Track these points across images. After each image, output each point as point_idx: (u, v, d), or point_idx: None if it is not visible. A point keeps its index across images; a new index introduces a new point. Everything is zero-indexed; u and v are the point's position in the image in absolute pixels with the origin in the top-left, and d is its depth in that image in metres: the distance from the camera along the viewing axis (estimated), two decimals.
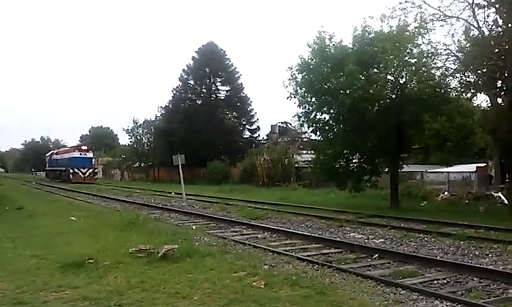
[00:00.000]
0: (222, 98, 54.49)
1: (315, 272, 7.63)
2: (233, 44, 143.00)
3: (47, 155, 68.07)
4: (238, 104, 54.00)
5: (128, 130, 59.87)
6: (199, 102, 53.19)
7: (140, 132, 59.95)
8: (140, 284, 6.50)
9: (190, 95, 54.26)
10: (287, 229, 12.90)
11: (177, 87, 54.65)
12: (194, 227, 13.50)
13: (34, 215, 15.95)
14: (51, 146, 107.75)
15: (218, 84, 55.06)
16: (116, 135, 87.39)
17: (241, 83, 54.79)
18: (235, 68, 54.81)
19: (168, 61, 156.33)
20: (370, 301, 5.92)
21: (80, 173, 48.39)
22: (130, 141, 61.85)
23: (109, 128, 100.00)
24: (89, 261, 7.66)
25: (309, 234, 11.95)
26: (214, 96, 54.56)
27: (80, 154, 50.24)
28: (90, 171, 49.95)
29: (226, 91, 54.66)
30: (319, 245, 10.57)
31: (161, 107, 56.21)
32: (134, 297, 5.89)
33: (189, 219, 15.82)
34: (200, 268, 7.35)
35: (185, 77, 54.63)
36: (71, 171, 48.57)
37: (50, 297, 5.93)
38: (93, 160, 52.92)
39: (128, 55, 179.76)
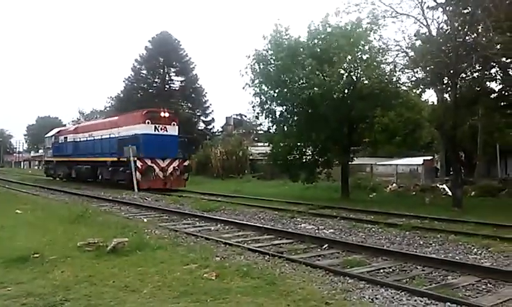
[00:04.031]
0: (176, 88, 53.91)
1: (266, 262, 7.71)
2: (188, 35, 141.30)
3: (49, 134, 39.59)
4: (193, 95, 53.61)
5: (74, 121, 58.31)
6: (152, 93, 52.31)
7: None
8: (88, 279, 6.34)
9: (143, 85, 53.33)
10: (240, 221, 12.95)
11: (129, 77, 53.61)
12: (145, 220, 13.29)
13: None
14: None
15: (172, 74, 54.47)
16: (65, 125, 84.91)
17: (196, 74, 54.50)
18: (190, 58, 54.46)
19: (120, 50, 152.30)
20: (319, 290, 6.04)
21: (157, 169, 24.73)
22: None
23: (57, 118, 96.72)
24: (35, 255, 7.39)
25: (261, 225, 12.04)
26: (167, 86, 53.90)
27: (156, 129, 25.44)
28: (177, 164, 25.66)
29: (181, 81, 54.16)
30: (271, 236, 10.68)
31: (111, 97, 55.02)
32: (81, 292, 5.74)
33: (141, 212, 15.56)
34: (151, 261, 7.26)
35: (138, 66, 53.62)
36: (139, 165, 24.02)
37: None
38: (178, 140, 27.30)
39: (77, 43, 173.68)
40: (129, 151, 23.04)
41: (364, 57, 19.98)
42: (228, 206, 16.91)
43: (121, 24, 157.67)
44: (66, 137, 34.56)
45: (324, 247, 9.31)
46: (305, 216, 14.32)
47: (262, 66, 20.97)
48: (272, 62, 20.71)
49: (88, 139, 30.69)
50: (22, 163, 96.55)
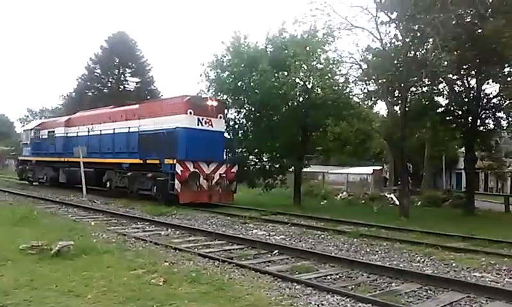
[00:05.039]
0: (131, 89, 52.86)
1: (215, 268, 7.70)
2: (145, 37, 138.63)
3: (27, 127, 33.93)
4: (148, 97, 52.75)
5: (22, 119, 56.26)
6: (106, 93, 51.09)
7: None
8: (29, 283, 6.10)
9: (96, 85, 52.01)
10: (191, 226, 12.87)
11: (82, 76, 52.12)
12: (93, 223, 12.93)
13: None
14: None
15: (127, 75, 53.45)
16: (13, 123, 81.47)
17: (152, 76, 53.81)
18: (146, 60, 53.63)
19: (73, 49, 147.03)
20: (266, 296, 6.09)
21: (201, 176, 18.64)
22: None
23: (4, 115, 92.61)
24: None
25: (212, 231, 12.01)
26: (122, 87, 52.81)
27: (200, 122, 19.09)
28: (223, 170, 19.38)
29: (136, 82, 53.22)
30: (222, 241, 10.69)
31: (63, 96, 53.39)
32: (21, 297, 5.52)
33: (88, 215, 15.15)
34: (97, 266, 7.09)
35: (92, 65, 52.27)
36: (178, 170, 17.97)
37: None
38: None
39: (26, 38, 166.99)
40: (79, 151, 21.23)
41: (319, 66, 20.40)
42: (179, 210, 16.74)
43: (75, 22, 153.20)
44: (52, 131, 27.44)
45: (274, 253, 9.40)
46: (257, 222, 14.42)
47: (217, 73, 21.07)
48: (229, 69, 20.83)
49: (90, 133, 23.77)
50: None
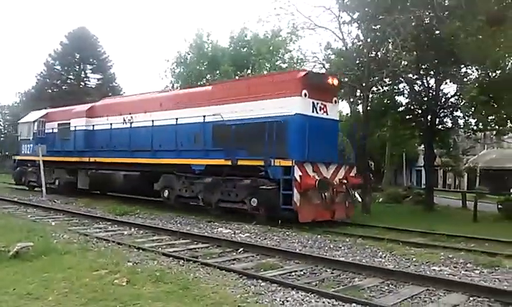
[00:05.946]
0: (92, 86, 51.73)
1: (180, 267, 7.64)
2: (106, 33, 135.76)
3: (27, 119, 26.49)
4: (110, 94, 51.78)
5: None
6: (66, 89, 49.79)
7: None
8: None
9: (56, 81, 50.60)
10: (155, 225, 12.70)
11: (41, 72, 50.61)
12: (53, 223, 12.59)
13: None
14: None
15: (88, 71, 52.31)
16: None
17: (114, 72, 52.86)
18: (108, 56, 52.59)
19: (30, 44, 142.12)
20: (232, 294, 6.09)
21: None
22: None
23: None
24: None
25: (177, 230, 11.91)
26: (83, 84, 51.61)
27: (315, 108, 13.72)
28: (342, 175, 14.28)
29: (98, 79, 52.15)
30: (187, 240, 10.61)
31: (20, 93, 51.74)
32: None
33: (49, 215, 14.73)
34: (57, 267, 6.91)
35: (52, 62, 50.80)
36: (297, 176, 12.68)
37: None
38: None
39: None
40: (38, 149, 20.33)
41: (283, 65, 20.58)
42: (143, 210, 16.50)
43: (31, 15, 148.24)
44: (66, 123, 21.67)
45: (239, 251, 9.41)
46: (222, 220, 14.36)
47: (181, 70, 20.96)
48: (192, 66, 20.76)
49: (134, 125, 18.01)
50: None
